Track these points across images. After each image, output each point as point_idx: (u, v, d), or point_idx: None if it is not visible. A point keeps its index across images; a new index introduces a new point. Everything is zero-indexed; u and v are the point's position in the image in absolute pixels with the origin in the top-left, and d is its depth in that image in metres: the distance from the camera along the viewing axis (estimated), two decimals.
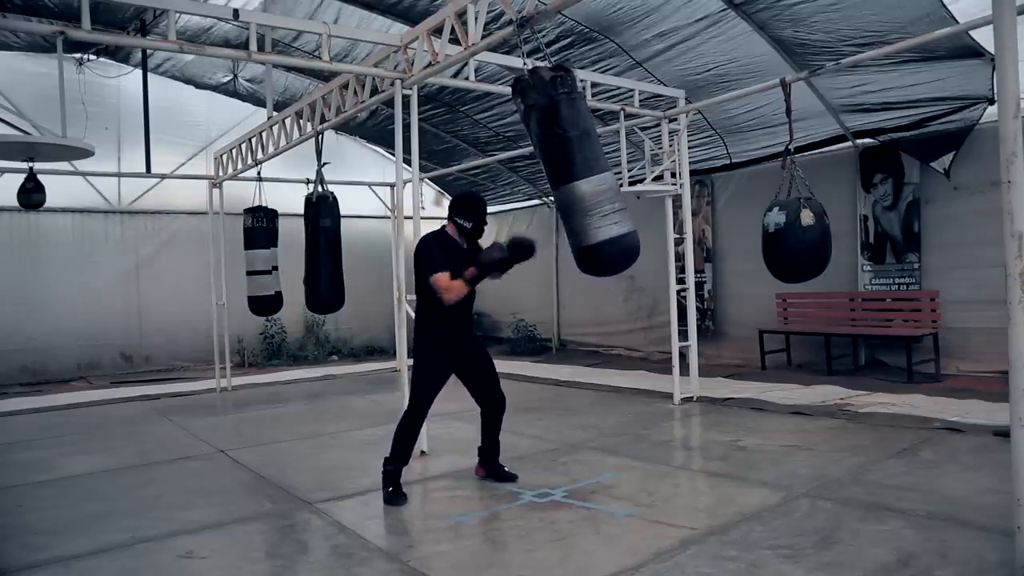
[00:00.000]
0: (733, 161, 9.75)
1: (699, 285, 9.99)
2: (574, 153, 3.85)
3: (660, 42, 7.69)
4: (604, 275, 4.15)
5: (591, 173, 3.82)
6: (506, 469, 4.67)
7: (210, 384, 9.38)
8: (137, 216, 11.22)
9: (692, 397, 7.25)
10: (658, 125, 7.50)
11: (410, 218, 6.02)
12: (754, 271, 7.16)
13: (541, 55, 4.23)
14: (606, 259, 3.89)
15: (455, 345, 4.37)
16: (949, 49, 6.52)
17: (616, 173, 8.11)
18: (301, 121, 7.40)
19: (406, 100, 5.55)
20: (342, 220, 7.23)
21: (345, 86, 6.36)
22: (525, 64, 4.13)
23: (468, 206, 4.37)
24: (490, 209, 14.24)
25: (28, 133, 9.46)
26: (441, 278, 4.10)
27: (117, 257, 11.02)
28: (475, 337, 4.60)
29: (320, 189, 7.02)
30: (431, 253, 4.20)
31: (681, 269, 7.39)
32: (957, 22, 5.97)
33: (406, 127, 5.49)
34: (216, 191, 9.31)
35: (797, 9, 6.66)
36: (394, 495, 4.29)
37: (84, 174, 9.59)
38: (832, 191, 8.16)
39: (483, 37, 4.84)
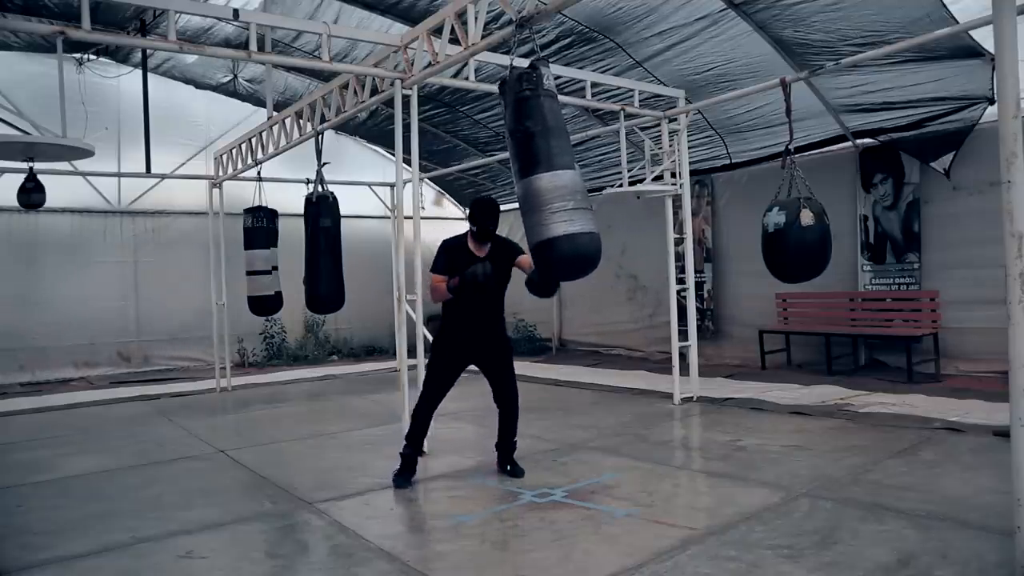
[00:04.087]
0: (733, 161, 9.75)
1: (699, 285, 9.98)
2: (536, 148, 3.85)
3: (660, 42, 7.69)
4: (560, 277, 4.07)
5: (550, 168, 3.78)
6: (510, 467, 4.78)
7: (210, 384, 9.38)
8: (137, 216, 11.21)
9: (692, 397, 7.25)
10: (658, 125, 7.50)
11: (410, 218, 6.03)
12: (754, 271, 7.17)
13: (536, 56, 4.25)
14: (557, 259, 3.71)
15: (467, 340, 4.62)
16: (949, 49, 6.52)
17: (616, 173, 8.12)
18: (301, 121, 7.40)
19: (406, 100, 5.55)
20: (342, 220, 7.22)
21: (345, 86, 6.36)
22: (511, 64, 4.17)
23: (473, 210, 4.59)
24: None
25: (28, 133, 9.51)
26: (433, 277, 4.56)
27: (117, 257, 11.01)
28: (500, 338, 4.75)
29: (320, 189, 7.01)
30: (437, 255, 4.61)
31: (681, 269, 7.40)
32: (957, 22, 5.97)
33: (406, 127, 5.49)
34: (216, 191, 9.31)
35: (797, 9, 6.66)
36: (399, 477, 4.58)
37: (84, 174, 9.59)
38: (832, 191, 8.15)
39: (483, 37, 4.84)
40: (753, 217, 6.48)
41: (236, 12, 5.24)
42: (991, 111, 6.97)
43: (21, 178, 7.12)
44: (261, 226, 8.30)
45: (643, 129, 7.73)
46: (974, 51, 6.48)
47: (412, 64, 5.51)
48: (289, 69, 10.09)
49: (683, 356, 7.40)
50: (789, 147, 5.59)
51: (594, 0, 7.09)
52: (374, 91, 6.01)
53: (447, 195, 14.54)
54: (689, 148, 7.69)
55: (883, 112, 7.80)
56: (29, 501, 4.61)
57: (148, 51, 9.26)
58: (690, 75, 8.06)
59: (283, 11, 7.99)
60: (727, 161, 9.81)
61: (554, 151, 3.86)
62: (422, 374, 5.62)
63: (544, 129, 3.88)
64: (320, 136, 6.88)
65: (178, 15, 6.20)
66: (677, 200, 7.49)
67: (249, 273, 8.36)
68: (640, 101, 7.31)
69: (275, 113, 7.86)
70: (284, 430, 6.70)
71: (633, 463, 5.00)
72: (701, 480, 4.69)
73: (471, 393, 8.56)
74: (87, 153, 5.58)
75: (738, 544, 3.38)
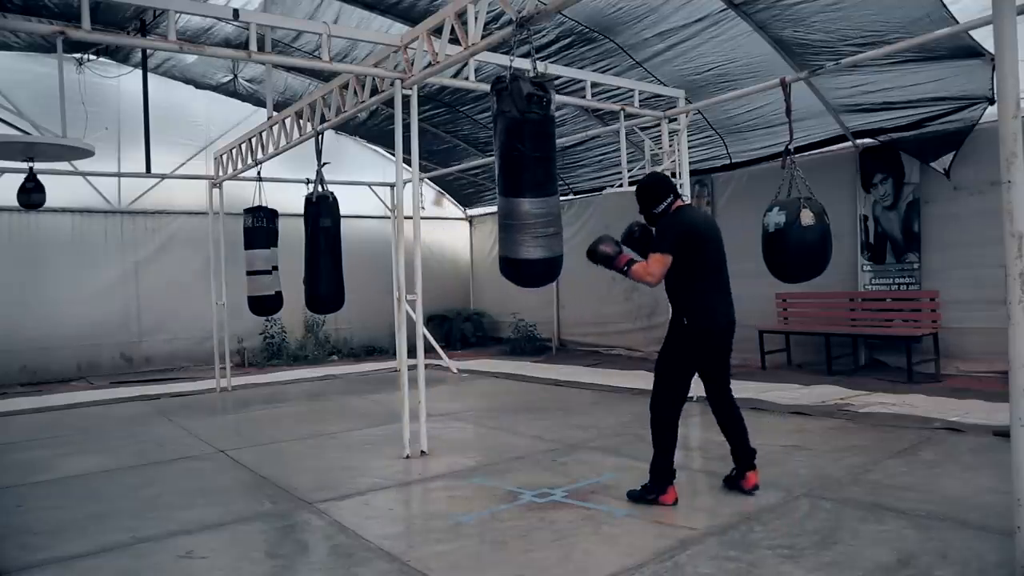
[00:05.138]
0: (733, 161, 9.76)
1: None
2: (528, 172, 3.99)
3: (660, 42, 7.69)
4: (521, 286, 4.50)
5: (538, 195, 4.01)
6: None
7: (210, 384, 9.38)
8: (137, 216, 11.21)
9: (692, 397, 7.21)
10: (658, 125, 7.50)
11: (410, 218, 6.02)
12: (754, 271, 7.15)
13: (536, 58, 4.26)
14: (526, 275, 4.24)
15: None
16: (949, 49, 6.52)
17: (616, 173, 8.10)
18: (301, 121, 7.40)
19: (406, 100, 5.55)
20: (342, 220, 7.23)
21: (345, 86, 6.35)
22: (511, 66, 4.16)
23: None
24: (491, 209, 14.34)
25: (28, 133, 9.52)
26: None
27: (117, 257, 11.02)
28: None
29: (320, 189, 7.02)
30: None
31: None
32: (957, 22, 5.97)
33: (406, 127, 5.48)
34: (216, 191, 9.31)
35: (797, 9, 6.66)
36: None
37: (84, 174, 9.59)
38: (832, 191, 8.15)
39: (483, 37, 4.84)
40: (753, 217, 6.47)
41: (236, 12, 5.24)
42: (991, 111, 6.97)
43: (21, 178, 7.12)
44: (261, 226, 8.30)
45: (643, 129, 7.73)
46: (974, 51, 6.48)
47: (412, 64, 5.51)
48: (289, 69, 10.09)
49: None
50: (789, 147, 5.58)
51: (594, 0, 7.09)
52: (374, 91, 6.01)
53: (447, 195, 14.55)
54: (689, 148, 7.69)
55: (883, 112, 7.80)
56: (29, 501, 4.60)
57: (148, 51, 9.26)
58: (690, 75, 8.06)
59: (283, 11, 7.99)
60: (727, 161, 9.81)
61: (547, 177, 4.07)
62: (422, 374, 5.64)
63: (542, 156, 4.01)
64: (320, 136, 6.88)
65: (178, 15, 6.21)
66: None
67: (249, 273, 8.37)
68: (640, 101, 7.31)
69: (275, 113, 7.86)
70: (284, 430, 6.70)
71: (633, 463, 4.99)
72: (701, 480, 4.68)
73: (470, 393, 8.59)
74: (87, 153, 5.59)
75: (738, 544, 3.38)
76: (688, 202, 4.27)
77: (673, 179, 7.31)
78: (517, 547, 3.49)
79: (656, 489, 4.02)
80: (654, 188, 4.12)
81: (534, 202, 4.00)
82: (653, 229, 4.13)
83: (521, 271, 4.21)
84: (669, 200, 4.08)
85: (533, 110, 3.93)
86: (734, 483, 4.24)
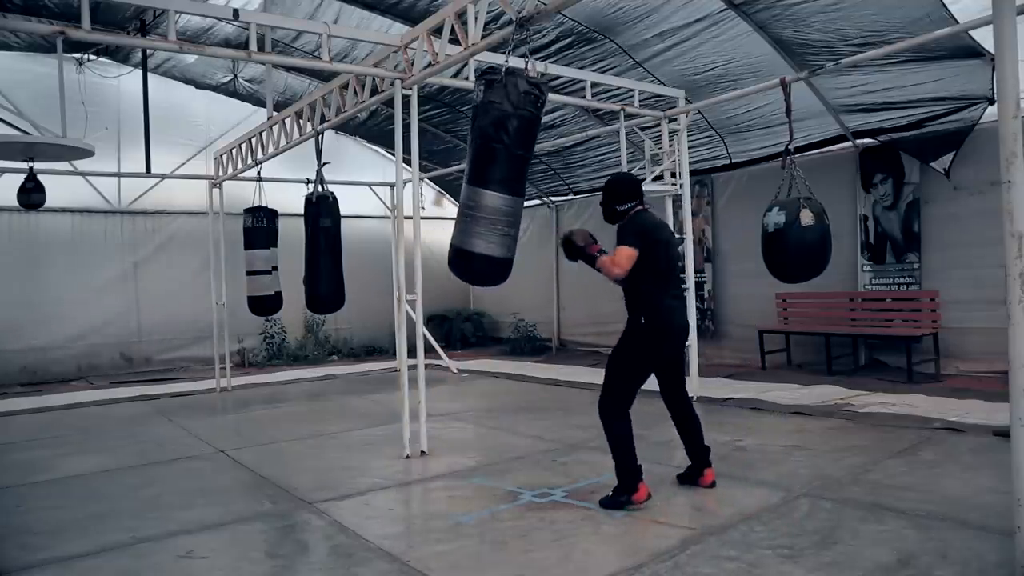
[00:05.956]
0: (733, 161, 9.76)
1: (699, 285, 9.99)
2: (504, 167, 3.97)
3: (660, 42, 7.69)
4: (464, 280, 4.47)
5: (506, 192, 3.97)
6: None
7: (210, 384, 9.38)
8: (137, 216, 11.21)
9: (692, 397, 7.22)
10: (658, 125, 7.50)
11: (410, 218, 6.01)
12: (754, 271, 7.16)
13: (536, 58, 4.26)
14: (478, 271, 4.16)
15: None
16: (949, 49, 6.52)
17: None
18: (301, 121, 7.40)
19: (406, 100, 5.55)
20: (342, 220, 7.23)
21: (345, 86, 6.36)
22: (506, 62, 4.16)
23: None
24: None
25: (28, 133, 9.51)
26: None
27: (117, 257, 11.02)
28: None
29: (320, 189, 7.02)
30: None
31: (681, 269, 7.39)
32: (957, 22, 5.97)
33: (406, 127, 5.48)
34: (216, 191, 9.31)
35: (797, 9, 6.66)
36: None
37: (84, 174, 9.59)
38: (832, 191, 8.16)
39: (483, 37, 4.84)
40: (753, 217, 6.48)
41: (236, 12, 5.24)
42: (991, 111, 6.97)
43: (21, 178, 7.12)
44: (261, 226, 8.31)
45: (643, 129, 7.73)
46: (974, 51, 6.48)
47: (412, 64, 5.51)
48: (289, 69, 10.09)
49: None
50: (789, 147, 5.58)
51: (594, 0, 7.09)
52: (374, 91, 6.01)
53: (447, 195, 14.54)
54: (689, 148, 7.69)
55: (883, 112, 7.80)
56: (29, 501, 4.60)
57: (148, 51, 9.26)
58: (690, 75, 8.06)
59: (283, 11, 7.99)
60: (727, 161, 9.81)
61: (519, 176, 4.03)
62: (422, 374, 5.64)
63: (523, 155, 4.01)
64: (320, 136, 6.88)
65: (178, 15, 6.21)
66: (677, 200, 7.48)
67: (249, 273, 8.37)
68: (640, 101, 7.31)
69: (275, 113, 7.86)
70: (284, 430, 6.70)
71: None
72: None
73: (470, 393, 8.59)
74: (87, 153, 5.58)
75: (738, 544, 3.38)
76: (649, 207, 4.28)
77: (673, 179, 7.37)
78: (517, 547, 3.49)
79: (626, 490, 3.99)
80: (627, 187, 4.21)
81: (504, 198, 3.94)
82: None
83: (473, 265, 4.06)
84: (634, 203, 4.16)
85: (527, 107, 3.92)
86: (691, 480, 4.36)
